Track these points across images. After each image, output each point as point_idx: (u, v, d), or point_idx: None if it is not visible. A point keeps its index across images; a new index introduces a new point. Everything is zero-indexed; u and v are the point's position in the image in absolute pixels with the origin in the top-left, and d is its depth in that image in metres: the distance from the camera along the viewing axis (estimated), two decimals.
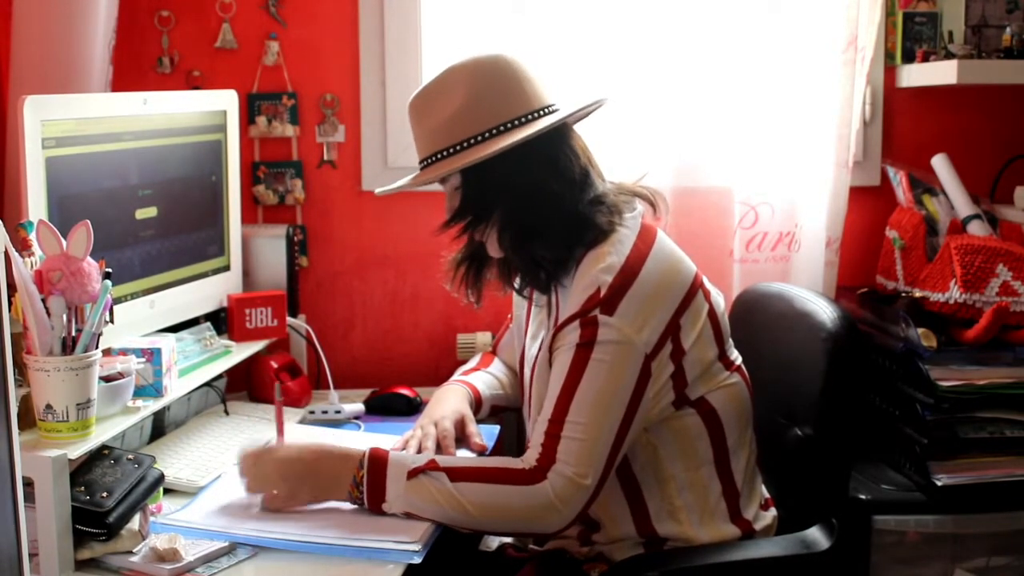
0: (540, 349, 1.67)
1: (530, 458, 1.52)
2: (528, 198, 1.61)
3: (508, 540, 1.77)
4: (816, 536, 1.66)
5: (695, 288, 1.61)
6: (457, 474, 1.52)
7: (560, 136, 1.63)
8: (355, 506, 1.58)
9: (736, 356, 1.69)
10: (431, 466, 1.53)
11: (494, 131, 1.60)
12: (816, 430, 1.72)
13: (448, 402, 1.83)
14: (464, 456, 1.63)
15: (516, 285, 1.75)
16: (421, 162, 1.66)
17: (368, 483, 1.55)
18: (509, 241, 1.63)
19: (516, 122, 1.60)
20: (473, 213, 1.64)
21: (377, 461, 1.56)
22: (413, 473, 1.53)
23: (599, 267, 1.56)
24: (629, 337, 1.52)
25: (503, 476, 1.51)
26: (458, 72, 1.63)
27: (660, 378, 1.56)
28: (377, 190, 1.79)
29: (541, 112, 1.62)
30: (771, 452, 1.76)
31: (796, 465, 1.75)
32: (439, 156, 1.62)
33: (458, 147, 1.61)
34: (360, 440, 2.00)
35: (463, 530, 1.57)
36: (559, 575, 1.64)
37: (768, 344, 1.74)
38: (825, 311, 1.74)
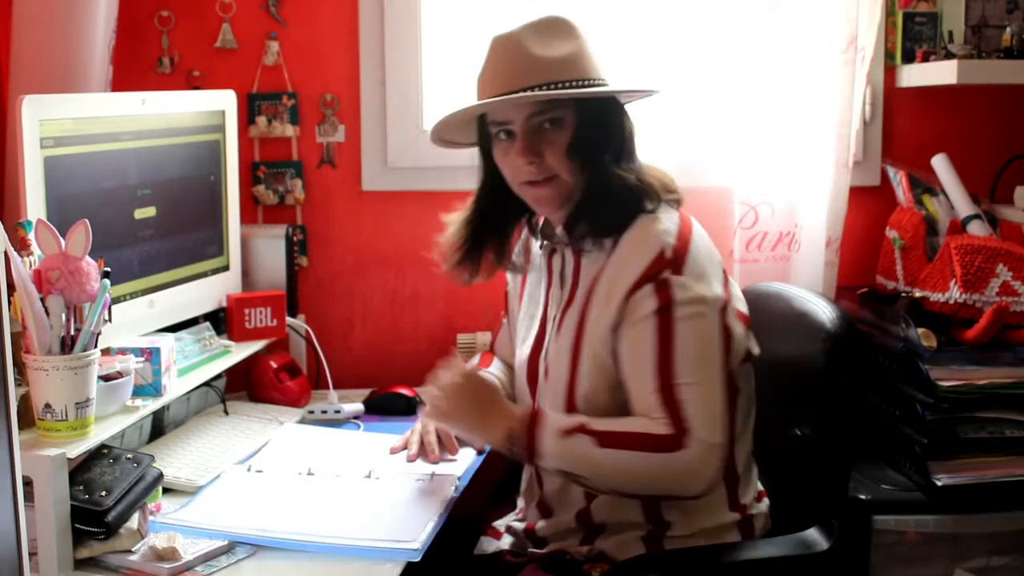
0: (557, 318, 1.68)
1: (658, 424, 1.52)
2: (621, 149, 1.66)
3: (505, 546, 1.75)
4: (815, 537, 1.65)
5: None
6: (603, 439, 1.52)
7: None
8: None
9: (753, 344, 1.69)
10: (581, 428, 1.55)
11: (602, 81, 1.64)
12: (816, 430, 1.72)
13: None
14: (608, 420, 1.58)
15: (513, 255, 1.78)
16: (519, 90, 1.61)
17: (527, 433, 1.56)
18: (600, 178, 1.63)
19: (606, 82, 1.65)
20: (585, 144, 1.63)
21: (535, 418, 1.58)
22: (566, 433, 1.54)
23: (658, 229, 1.59)
24: (702, 294, 1.56)
25: (647, 443, 1.51)
26: (563, 20, 1.66)
27: (738, 327, 1.61)
28: (450, 113, 1.70)
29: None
30: (770, 452, 1.76)
31: (795, 465, 1.75)
32: (557, 86, 1.61)
33: (580, 83, 1.62)
34: (360, 440, 2.00)
35: (604, 492, 1.60)
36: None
37: (767, 344, 1.73)
38: (824, 311, 1.74)
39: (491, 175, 1.72)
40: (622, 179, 1.63)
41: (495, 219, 1.76)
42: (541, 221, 1.76)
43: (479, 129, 1.71)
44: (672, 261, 1.56)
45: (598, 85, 1.63)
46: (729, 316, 1.59)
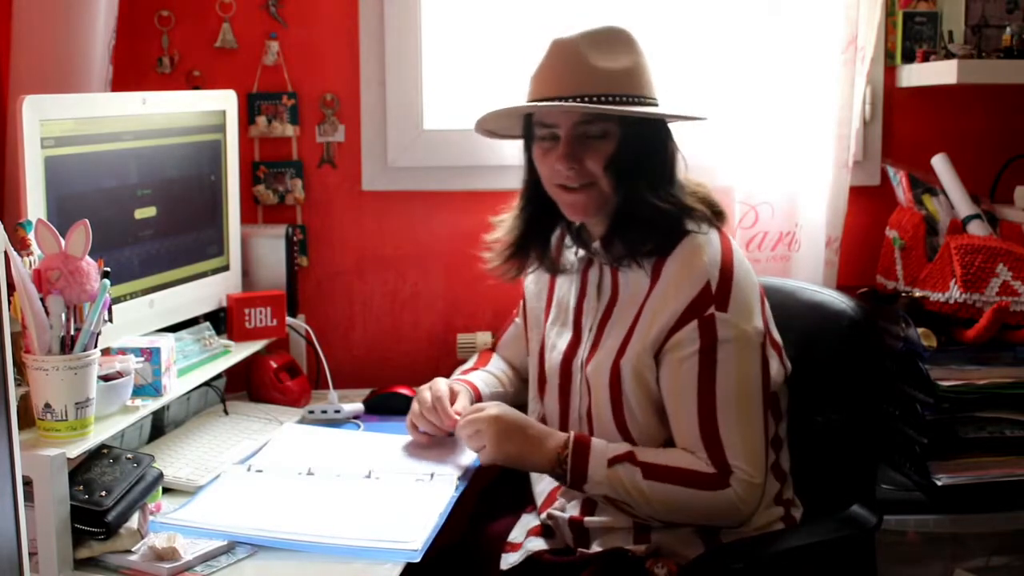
0: (594, 329, 1.71)
1: (701, 463, 1.58)
2: (662, 171, 1.68)
3: (535, 548, 1.71)
4: (862, 513, 1.70)
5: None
6: (649, 471, 1.58)
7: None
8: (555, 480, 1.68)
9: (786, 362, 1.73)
10: (628, 457, 1.59)
11: (653, 100, 1.67)
12: (845, 415, 1.76)
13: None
14: (655, 452, 1.63)
15: (559, 261, 1.80)
16: (572, 97, 1.62)
17: (573, 460, 1.61)
18: (637, 198, 1.65)
19: (656, 101, 1.68)
20: (627, 160, 1.65)
21: (582, 444, 1.62)
22: (613, 461, 1.59)
23: (704, 260, 1.62)
24: (745, 331, 1.60)
25: (692, 479, 1.57)
26: (624, 33, 1.68)
27: (773, 360, 1.66)
28: (499, 108, 1.71)
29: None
30: (792, 441, 1.78)
31: (819, 451, 1.77)
32: (610, 99, 1.63)
33: (632, 99, 1.64)
34: (360, 440, 2.00)
35: (644, 519, 1.63)
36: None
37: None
38: (841, 301, 1.80)
39: (534, 173, 1.74)
40: (655, 205, 1.65)
41: (541, 220, 1.78)
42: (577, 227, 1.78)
43: (524, 125, 1.73)
44: (717, 295, 1.60)
45: (649, 103, 1.66)
46: (767, 348, 1.64)
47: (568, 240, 1.81)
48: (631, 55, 1.66)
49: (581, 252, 1.77)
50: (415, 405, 1.88)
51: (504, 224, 1.82)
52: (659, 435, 1.65)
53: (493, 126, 1.80)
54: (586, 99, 1.61)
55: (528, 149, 1.74)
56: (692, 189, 1.71)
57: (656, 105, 1.68)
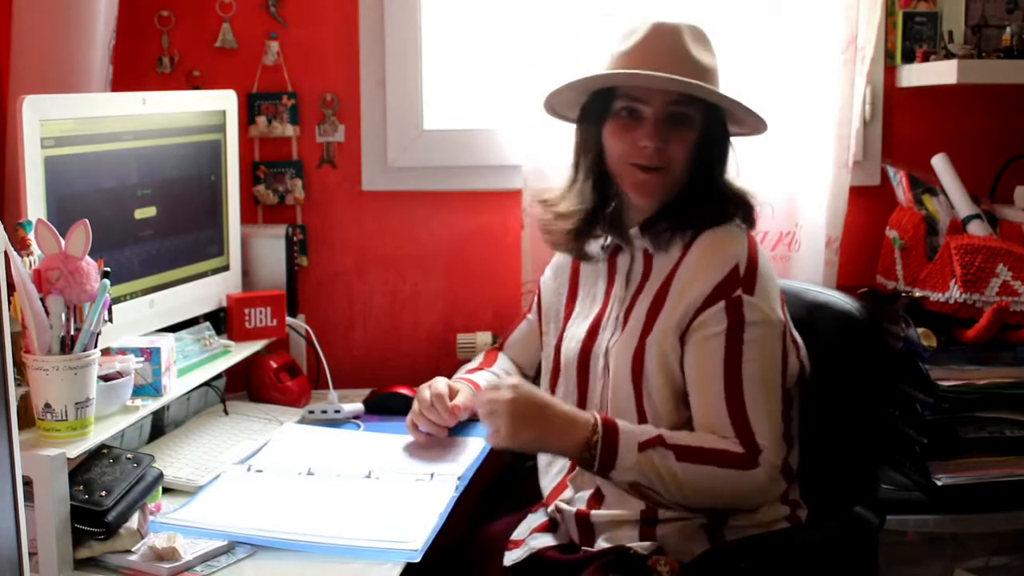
0: (621, 317, 1.71)
1: (731, 443, 1.58)
2: (725, 166, 1.74)
3: (539, 545, 1.71)
4: (865, 514, 1.71)
5: None
6: (683, 453, 1.57)
7: None
8: (582, 466, 1.63)
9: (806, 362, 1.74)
10: (659, 441, 1.58)
11: (739, 101, 1.70)
12: (848, 415, 1.77)
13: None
14: (682, 433, 1.62)
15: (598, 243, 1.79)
16: (667, 73, 1.65)
17: (602, 447, 1.58)
18: (703, 187, 1.70)
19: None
20: (711, 149, 1.71)
21: (610, 428, 1.59)
22: (644, 446, 1.57)
23: (733, 245, 1.66)
24: (768, 316, 1.63)
25: (725, 459, 1.57)
26: (707, 36, 1.73)
27: (791, 351, 1.67)
28: (594, 74, 1.71)
29: None
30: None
31: (819, 449, 1.77)
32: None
33: (726, 95, 1.68)
34: (360, 440, 2.00)
35: (670, 505, 1.62)
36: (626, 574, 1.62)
37: None
38: (845, 301, 1.81)
39: (598, 153, 1.73)
40: (728, 185, 1.72)
41: (596, 204, 1.77)
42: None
43: (592, 103, 1.74)
44: (745, 279, 1.63)
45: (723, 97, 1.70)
46: (787, 339, 1.66)
47: (597, 229, 1.79)
48: (715, 56, 1.72)
49: (608, 240, 1.77)
50: (415, 404, 1.88)
51: (564, 200, 1.79)
52: (674, 420, 1.65)
53: (556, 101, 1.78)
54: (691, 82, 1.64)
55: (592, 126, 1.74)
56: (737, 189, 1.76)
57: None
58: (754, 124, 1.75)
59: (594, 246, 1.80)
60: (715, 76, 1.71)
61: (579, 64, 2.28)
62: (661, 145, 1.67)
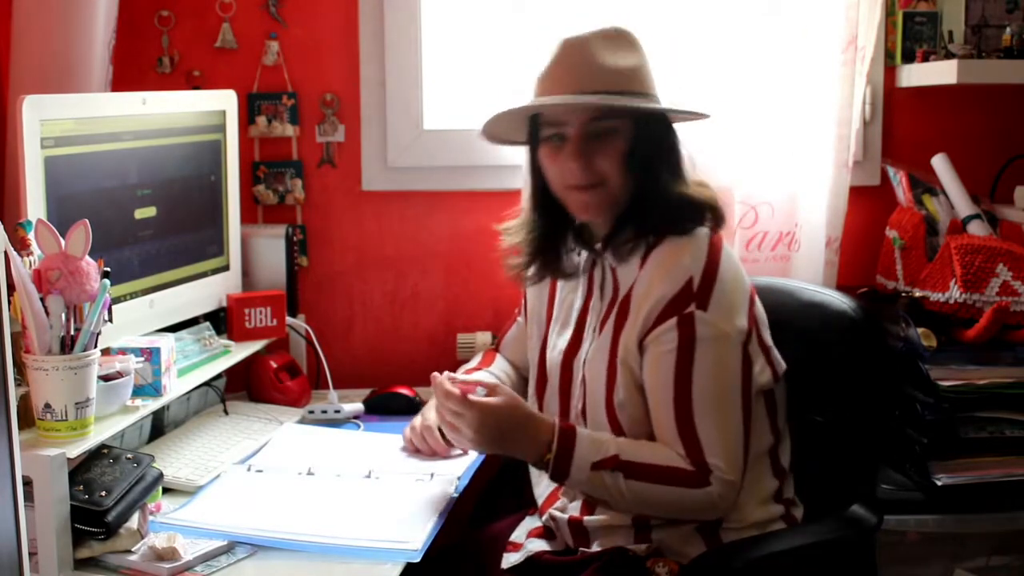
0: (597, 328, 1.69)
1: (683, 460, 1.58)
2: (673, 167, 1.69)
3: (536, 548, 1.71)
4: (863, 513, 1.70)
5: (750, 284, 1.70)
6: (632, 471, 1.58)
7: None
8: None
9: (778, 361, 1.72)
10: (613, 462, 1.58)
11: (657, 98, 1.67)
12: (845, 415, 1.76)
13: None
14: (639, 449, 1.62)
15: (562, 264, 1.77)
16: (580, 92, 1.62)
17: (555, 462, 1.59)
18: (652, 188, 1.66)
19: (659, 99, 1.68)
20: (648, 153, 1.66)
21: (567, 444, 1.60)
22: (597, 466, 1.58)
23: (688, 256, 1.62)
24: (724, 330, 1.60)
25: (673, 478, 1.57)
26: (629, 33, 1.68)
27: (758, 360, 1.64)
28: (507, 109, 1.68)
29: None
30: (792, 441, 1.78)
31: (815, 449, 1.77)
32: (620, 96, 1.63)
33: (640, 96, 1.64)
34: (360, 440, 2.00)
35: (621, 512, 1.63)
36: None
37: (773, 337, 1.76)
38: (842, 301, 1.80)
39: (540, 178, 1.72)
40: (674, 192, 1.66)
41: (552, 227, 1.76)
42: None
43: (530, 128, 1.71)
44: (698, 294, 1.59)
45: (655, 102, 1.66)
46: (751, 346, 1.63)
47: (570, 243, 1.79)
48: (636, 55, 1.67)
49: (585, 254, 1.76)
50: (407, 431, 1.92)
51: (515, 231, 1.79)
52: (648, 428, 1.64)
53: (497, 130, 1.77)
54: (599, 96, 1.61)
55: (533, 153, 1.72)
56: (696, 187, 1.71)
57: (660, 102, 1.68)
58: (694, 114, 1.72)
59: (568, 262, 1.78)
60: (637, 76, 1.65)
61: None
62: (587, 163, 1.63)
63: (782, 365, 1.70)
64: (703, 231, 1.66)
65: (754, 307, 1.68)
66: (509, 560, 1.70)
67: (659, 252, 1.64)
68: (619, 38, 1.67)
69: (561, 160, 1.65)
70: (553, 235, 1.76)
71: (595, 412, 1.68)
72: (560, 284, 1.82)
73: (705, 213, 1.67)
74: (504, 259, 1.82)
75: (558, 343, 1.78)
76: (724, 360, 1.60)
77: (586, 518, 1.68)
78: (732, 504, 1.60)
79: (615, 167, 1.64)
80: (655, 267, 1.63)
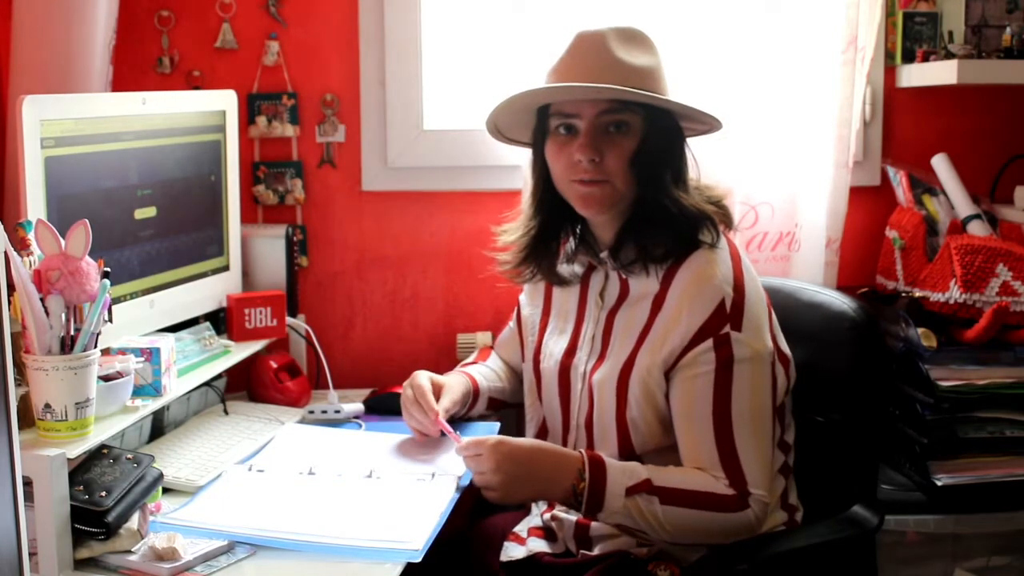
0: (598, 337, 1.68)
1: (720, 484, 1.56)
2: (679, 173, 1.66)
3: (536, 548, 1.72)
4: (864, 514, 1.70)
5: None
6: (667, 497, 1.54)
7: None
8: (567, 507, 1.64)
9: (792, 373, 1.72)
10: (646, 487, 1.55)
11: (671, 100, 1.64)
12: (846, 415, 1.77)
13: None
14: (670, 474, 1.58)
15: (563, 269, 1.76)
16: (594, 80, 1.60)
17: (590, 489, 1.55)
18: (656, 196, 1.63)
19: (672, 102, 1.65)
20: (656, 154, 1.63)
21: (598, 474, 1.56)
22: (631, 491, 1.55)
23: (718, 277, 1.59)
24: (758, 351, 1.59)
25: (711, 503, 1.55)
26: (645, 34, 1.67)
27: (780, 377, 1.64)
28: (516, 93, 1.65)
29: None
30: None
31: (817, 450, 1.78)
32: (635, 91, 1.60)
33: (653, 94, 1.62)
34: (360, 440, 2.00)
35: (657, 543, 1.61)
36: None
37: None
38: (843, 301, 1.80)
39: (543, 174, 1.70)
40: (679, 203, 1.62)
41: (551, 226, 1.74)
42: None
43: (537, 122, 1.69)
44: (732, 315, 1.58)
45: (667, 100, 1.63)
46: (775, 362, 1.63)
47: (568, 250, 1.76)
48: (652, 55, 1.65)
49: (584, 260, 1.74)
50: (402, 400, 1.86)
51: (514, 229, 1.77)
52: (661, 444, 1.63)
53: (503, 122, 1.74)
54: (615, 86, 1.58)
55: (538, 147, 1.70)
56: (703, 191, 1.69)
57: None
58: (709, 120, 1.68)
59: (565, 269, 1.77)
60: (652, 76, 1.62)
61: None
62: (596, 157, 1.60)
63: (793, 376, 1.70)
64: (722, 243, 1.64)
65: (772, 317, 1.67)
66: (510, 551, 1.69)
67: (684, 274, 1.61)
68: (635, 37, 1.65)
69: (569, 152, 1.62)
70: (550, 237, 1.75)
71: (604, 425, 1.66)
72: (556, 291, 1.81)
73: (712, 221, 1.65)
74: (497, 257, 1.81)
75: (553, 351, 1.77)
76: (758, 381, 1.59)
77: (592, 524, 1.67)
78: (764, 525, 1.58)
79: (622, 165, 1.61)
80: (684, 291, 1.60)
